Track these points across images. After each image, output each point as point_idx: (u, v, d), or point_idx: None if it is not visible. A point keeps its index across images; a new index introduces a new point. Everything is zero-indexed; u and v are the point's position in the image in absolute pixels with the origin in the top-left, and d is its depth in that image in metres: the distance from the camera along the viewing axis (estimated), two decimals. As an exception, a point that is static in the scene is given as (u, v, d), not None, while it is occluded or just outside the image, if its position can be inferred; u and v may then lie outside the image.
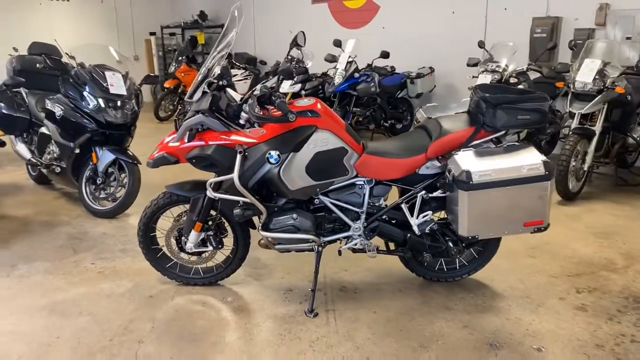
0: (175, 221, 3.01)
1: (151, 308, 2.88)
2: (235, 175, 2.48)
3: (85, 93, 4.31)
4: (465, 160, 2.50)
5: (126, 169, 4.33)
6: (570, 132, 4.73)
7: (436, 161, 2.72)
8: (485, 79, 5.54)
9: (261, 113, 2.54)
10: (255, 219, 2.84)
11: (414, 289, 3.12)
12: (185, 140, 2.59)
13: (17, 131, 5.10)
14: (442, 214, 2.94)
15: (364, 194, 2.80)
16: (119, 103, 4.38)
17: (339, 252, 2.93)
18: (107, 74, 4.37)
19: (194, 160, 2.58)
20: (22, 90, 5.18)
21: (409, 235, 2.84)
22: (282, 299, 2.99)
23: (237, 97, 2.73)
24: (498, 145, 2.68)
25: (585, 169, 4.76)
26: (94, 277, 3.27)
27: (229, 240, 3.02)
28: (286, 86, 7.53)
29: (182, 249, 3.00)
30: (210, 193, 2.68)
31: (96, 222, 4.28)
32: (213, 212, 2.93)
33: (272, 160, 2.52)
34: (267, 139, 2.55)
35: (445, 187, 2.64)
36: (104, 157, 4.35)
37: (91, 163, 4.39)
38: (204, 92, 2.59)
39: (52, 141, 4.53)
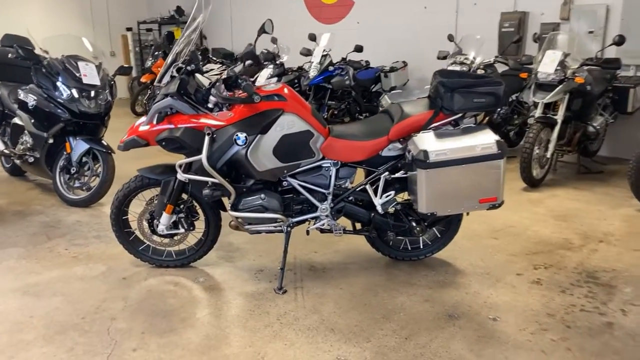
0: (147, 204, 3.08)
1: (124, 289, 2.96)
2: (203, 156, 2.57)
3: (58, 83, 4.34)
4: (423, 141, 2.63)
5: (100, 158, 4.37)
6: (534, 121, 4.91)
7: (398, 143, 2.85)
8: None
9: (228, 95, 2.63)
10: (225, 201, 2.94)
11: (379, 267, 3.25)
12: (154, 122, 2.67)
13: (-10, 123, 5.10)
14: (405, 196, 3.08)
15: (330, 176, 2.92)
16: (92, 93, 4.43)
17: (307, 232, 3.04)
18: (80, 64, 4.42)
19: (163, 143, 2.67)
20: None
21: (373, 214, 2.96)
22: (252, 278, 3.09)
23: (206, 82, 2.83)
24: (456, 128, 2.82)
25: (548, 156, 4.95)
26: (68, 261, 3.33)
27: (200, 223, 3.11)
28: (262, 80, 7.63)
29: (154, 232, 3.08)
30: (180, 175, 2.77)
31: (70, 210, 4.32)
32: (184, 196, 3.02)
33: (239, 142, 2.62)
34: (235, 122, 2.65)
35: (406, 167, 2.77)
36: (78, 146, 4.39)
37: (65, 153, 4.43)
38: (172, 77, 2.68)
39: (25, 131, 4.55)
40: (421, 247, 3.28)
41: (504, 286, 2.99)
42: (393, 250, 3.26)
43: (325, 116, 7.29)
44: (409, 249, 3.28)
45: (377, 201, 2.93)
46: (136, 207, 3.14)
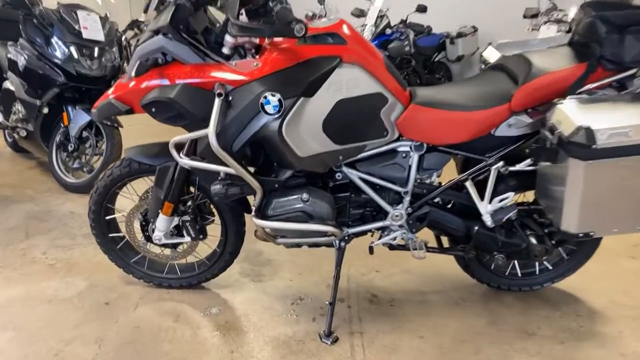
0: (141, 200, 2.14)
1: (103, 321, 2.04)
2: (211, 130, 1.57)
3: (52, 38, 3.45)
4: (580, 113, 1.55)
5: (104, 133, 3.49)
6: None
7: (525, 116, 1.77)
8: (549, 30, 4.51)
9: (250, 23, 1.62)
10: (251, 199, 1.94)
11: (475, 300, 2.21)
12: (132, 73, 1.69)
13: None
14: (523, 196, 2.02)
15: (410, 166, 1.88)
16: (95, 51, 3.54)
17: (370, 250, 2.03)
18: (81, 14, 3.50)
19: (153, 109, 1.68)
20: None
21: (476, 227, 1.92)
22: (288, 312, 2.11)
23: (223, 17, 1.82)
24: (623, 93, 1.71)
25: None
26: (41, 271, 2.44)
27: (215, 228, 2.15)
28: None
29: (149, 239, 2.14)
30: (176, 158, 1.79)
31: (66, 197, 3.46)
32: (191, 189, 2.06)
33: (269, 109, 1.61)
34: (264, 76, 1.63)
35: (542, 156, 1.69)
36: (77, 118, 3.51)
37: (62, 125, 3.57)
38: (167, 3, 1.69)
39: (17, 98, 3.70)
40: (537, 272, 2.22)
41: (678, 344, 1.91)
42: (495, 276, 2.21)
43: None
44: (519, 274, 2.22)
45: (485, 207, 1.88)
46: (126, 202, 2.21)
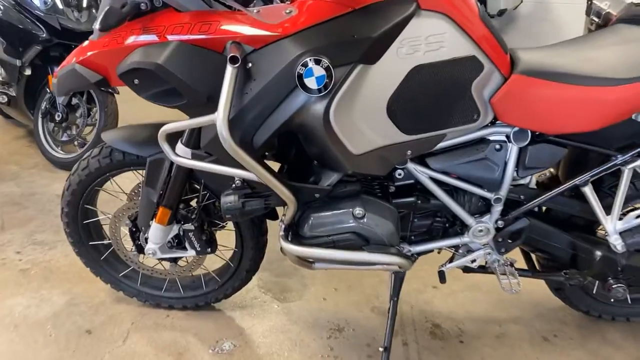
0: (129, 199, 1.60)
1: (82, 358, 1.55)
2: (220, 116, 1.01)
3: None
4: None
5: (96, 100, 2.94)
6: None
7: (689, 94, 1.18)
8: None
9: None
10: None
11: (569, 336, 1.67)
12: (98, 26, 1.12)
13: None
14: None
15: (506, 163, 1.31)
16: (84, 1, 2.95)
17: (441, 277, 1.48)
18: (65, -46, 2.89)
19: (135, 80, 1.12)
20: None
21: (599, 253, 1.36)
22: (324, 351, 1.59)
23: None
24: None
25: None
26: (11, 280, 1.95)
27: (227, 237, 1.61)
28: None
29: (142, 250, 1.61)
30: (169, 155, 1.23)
31: (54, 175, 2.95)
32: (195, 185, 1.51)
33: (310, 83, 1.03)
34: (301, 30, 1.05)
35: None
36: (65, 81, 2.95)
37: (48, 90, 3.02)
38: None
39: (-4, 58, 3.15)
40: (651, 300, 1.66)
41: None
42: (596, 302, 1.67)
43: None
44: (628, 301, 1.66)
45: (613, 225, 1.31)
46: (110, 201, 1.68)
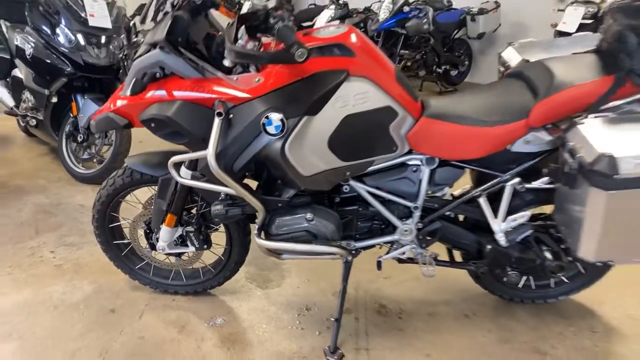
0: (145, 208, 2.10)
1: (108, 330, 2.03)
2: (210, 152, 1.50)
3: (59, 27, 3.37)
4: (603, 136, 1.44)
5: (113, 123, 3.43)
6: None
7: (544, 132, 1.66)
8: (576, 12, 4.29)
9: (247, 45, 1.54)
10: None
11: (486, 314, 2.14)
12: (128, 92, 1.62)
13: (-1, 73, 4.25)
14: (540, 209, 1.92)
15: (421, 180, 1.80)
16: (102, 39, 3.46)
17: (378, 265, 1.96)
18: (87, 1, 3.41)
19: (152, 125, 1.62)
20: (2, 23, 4.28)
21: (489, 247, 1.84)
22: (293, 324, 2.07)
23: (226, 21, 1.72)
24: (653, 109, 1.59)
25: None
26: (49, 273, 2.44)
27: (220, 236, 2.10)
28: (322, 24, 6.43)
29: (154, 247, 2.10)
30: (175, 177, 1.73)
31: (76, 188, 3.45)
32: (195, 197, 2.01)
33: (271, 130, 1.53)
34: (266, 93, 1.55)
35: (561, 178, 1.59)
36: (86, 107, 3.46)
37: (71, 115, 3.52)
38: (165, 13, 1.59)
39: (26, 87, 3.66)
40: (552, 285, 2.13)
41: (699, 369, 1.83)
42: (508, 289, 2.14)
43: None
44: (533, 287, 2.14)
45: (499, 226, 1.79)
46: (131, 209, 2.17)
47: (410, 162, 1.79)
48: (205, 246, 2.05)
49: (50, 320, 2.10)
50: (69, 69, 3.37)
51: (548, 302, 2.16)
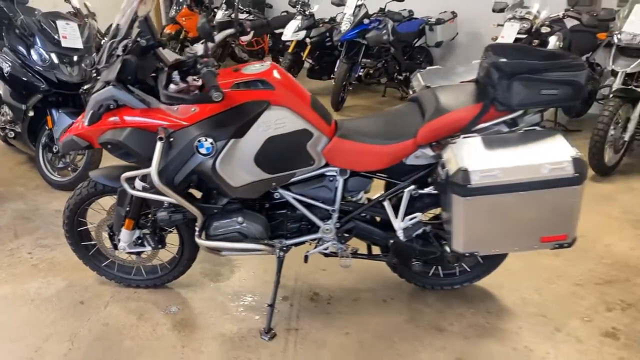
0: (108, 214, 2.45)
1: (77, 319, 2.38)
2: (153, 170, 1.87)
3: (34, 47, 3.68)
4: (464, 153, 1.83)
5: (85, 135, 3.76)
6: (612, 94, 3.92)
7: (429, 149, 2.05)
8: (512, 28, 4.70)
9: (179, 87, 1.89)
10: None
11: (401, 299, 2.53)
12: (86, 122, 1.97)
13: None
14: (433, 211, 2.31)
15: (336, 188, 2.18)
16: (74, 58, 3.77)
17: (305, 259, 2.34)
18: (60, 23, 3.73)
19: (108, 146, 1.98)
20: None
21: (391, 241, 2.22)
22: (237, 310, 2.44)
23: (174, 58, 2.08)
24: (512, 130, 1.99)
25: (626, 138, 3.98)
26: (26, 271, 2.77)
27: (175, 237, 2.46)
28: (289, 33, 6.78)
29: (116, 247, 2.45)
30: (128, 189, 2.09)
31: (53, 195, 3.77)
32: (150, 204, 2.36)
33: (203, 151, 1.90)
34: (199, 121, 1.91)
35: (439, 187, 1.98)
36: (61, 121, 3.77)
37: (47, 128, 3.84)
38: (117, 56, 1.95)
39: (4, 102, 3.97)
40: (457, 273, 2.53)
41: (566, 339, 2.23)
42: (420, 277, 2.53)
43: (359, 75, 6.43)
44: (441, 275, 2.53)
45: (398, 224, 2.18)
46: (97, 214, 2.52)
47: (327, 173, 2.17)
48: (160, 246, 2.40)
49: (27, 312, 2.44)
50: (43, 86, 3.68)
51: (454, 289, 2.55)
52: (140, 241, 2.40)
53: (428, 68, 2.53)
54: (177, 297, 2.55)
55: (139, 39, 1.90)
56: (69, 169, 3.89)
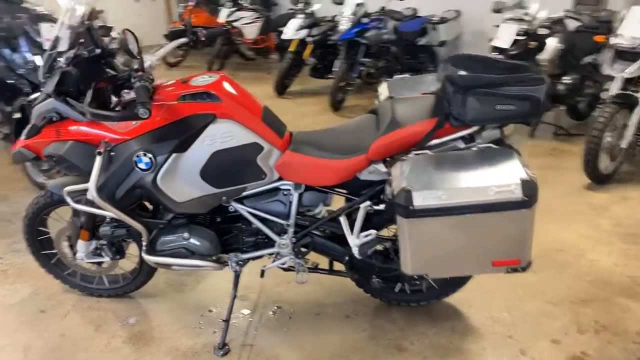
0: (68, 223, 2.42)
1: (35, 330, 2.37)
2: (91, 184, 1.83)
3: (19, 50, 3.70)
4: (409, 173, 1.74)
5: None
6: (609, 100, 3.77)
7: (381, 165, 1.97)
8: (509, 29, 4.56)
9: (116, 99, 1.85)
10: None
11: (365, 315, 2.46)
12: (23, 135, 1.94)
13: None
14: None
15: (291, 202, 2.11)
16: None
17: (262, 273, 2.28)
18: (44, 26, 3.73)
19: (53, 159, 1.94)
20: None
21: (347, 257, 2.15)
22: (195, 323, 2.40)
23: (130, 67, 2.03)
24: (468, 146, 1.89)
25: (623, 146, 3.82)
26: (-6, 277, 2.78)
27: (135, 248, 2.42)
28: (290, 32, 6.71)
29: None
30: (70, 203, 2.05)
31: (36, 198, 3.77)
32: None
33: (141, 166, 1.85)
34: (139, 135, 1.86)
35: (387, 206, 1.90)
36: (45, 123, 3.78)
37: (32, 130, 3.84)
38: (58, 68, 1.91)
39: (-9, 103, 4.00)
40: (423, 290, 2.44)
41: (530, 363, 2.14)
42: (385, 293, 2.45)
43: (358, 76, 6.32)
44: (408, 292, 2.45)
45: (353, 241, 2.09)
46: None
47: (282, 187, 2.11)
48: (118, 256, 2.37)
49: (-13, 320, 2.44)
50: (27, 89, 3.69)
51: (421, 305, 2.47)
52: (98, 251, 2.37)
53: (396, 77, 2.44)
54: (138, 308, 2.52)
55: (80, 50, 1.85)
56: (55, 170, 3.89)
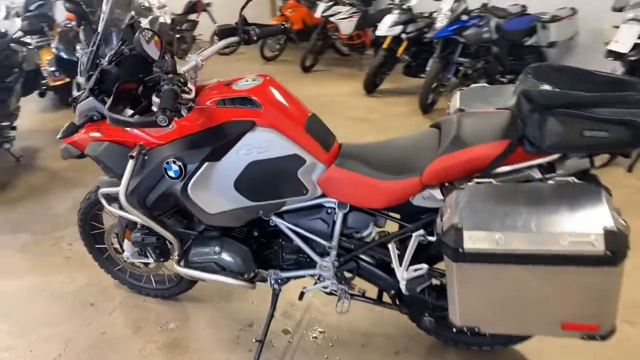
0: (118, 221, 2.40)
1: (81, 322, 2.39)
2: (121, 188, 1.74)
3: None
4: (464, 206, 1.45)
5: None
6: None
7: (437, 191, 1.68)
8: (631, 30, 3.93)
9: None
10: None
11: (417, 352, 2.18)
12: (60, 134, 1.90)
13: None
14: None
15: (335, 222, 1.89)
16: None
17: (300, 296, 2.09)
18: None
19: (92, 159, 1.89)
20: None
21: (392, 292, 1.89)
22: (233, 338, 2.27)
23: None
24: (544, 177, 1.55)
25: None
26: (57, 263, 2.87)
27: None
28: (384, 28, 6.43)
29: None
30: (105, 206, 1.99)
31: (114, 186, 3.90)
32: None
33: (171, 173, 1.73)
34: (171, 140, 1.74)
35: (437, 240, 1.61)
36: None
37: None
38: (98, 65, 1.84)
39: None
40: (487, 333, 2.10)
41: None
42: (443, 331, 2.15)
43: (453, 76, 5.89)
44: (469, 333, 2.12)
45: (401, 274, 1.83)
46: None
47: (326, 205, 1.89)
48: (162, 259, 2.29)
49: (42, 304, 2.51)
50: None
51: (483, 350, 2.14)
52: (143, 252, 2.32)
53: (472, 85, 2.12)
54: (181, 312, 2.45)
55: (122, 48, 1.77)
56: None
